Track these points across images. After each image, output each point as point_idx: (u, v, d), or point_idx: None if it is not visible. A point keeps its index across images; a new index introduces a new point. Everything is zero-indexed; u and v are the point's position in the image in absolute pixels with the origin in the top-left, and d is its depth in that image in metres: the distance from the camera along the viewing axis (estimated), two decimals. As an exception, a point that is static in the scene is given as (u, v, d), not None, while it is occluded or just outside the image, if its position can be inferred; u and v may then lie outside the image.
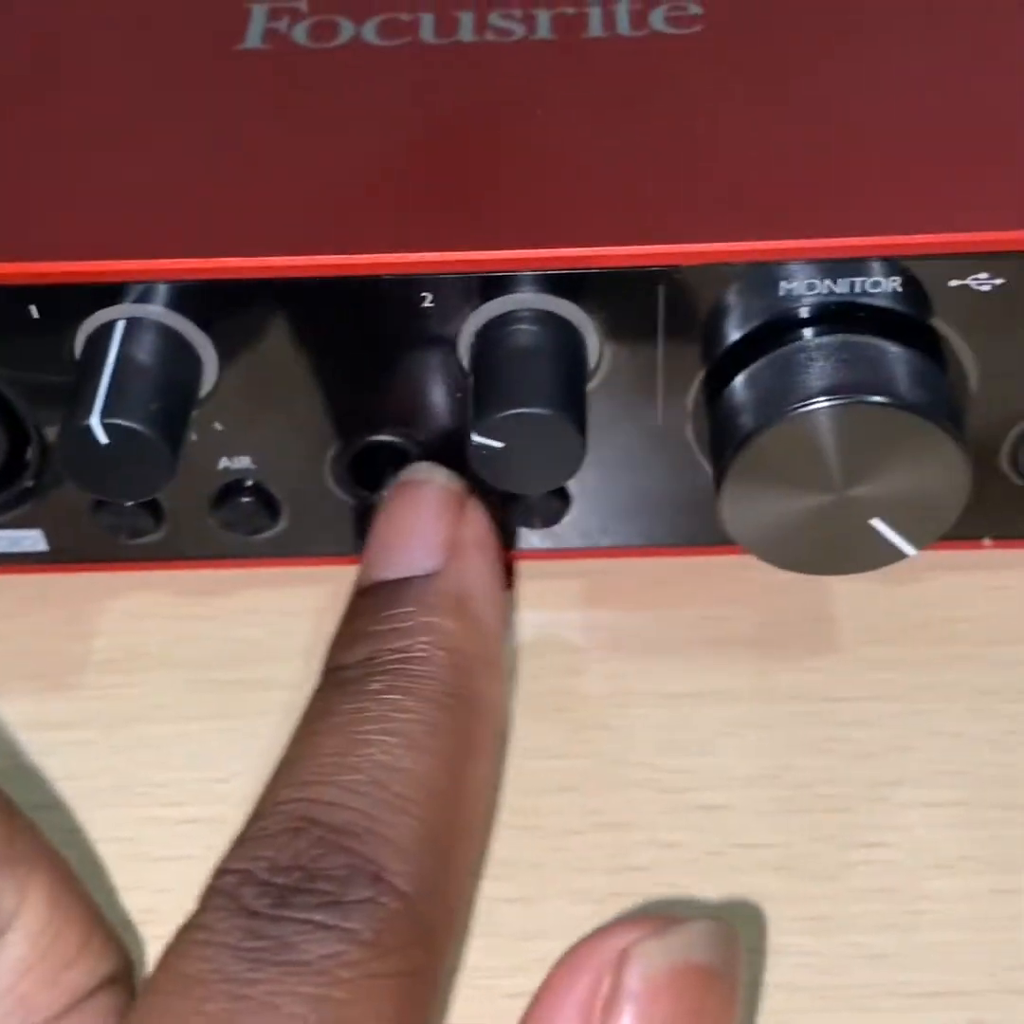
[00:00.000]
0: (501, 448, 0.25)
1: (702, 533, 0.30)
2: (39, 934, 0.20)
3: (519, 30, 0.31)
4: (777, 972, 0.25)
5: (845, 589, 0.30)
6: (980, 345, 0.26)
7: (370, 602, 0.24)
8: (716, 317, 0.26)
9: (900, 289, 0.26)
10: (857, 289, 0.26)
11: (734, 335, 0.27)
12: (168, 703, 0.29)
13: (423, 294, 0.26)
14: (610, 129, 0.28)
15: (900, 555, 0.27)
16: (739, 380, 0.26)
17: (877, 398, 0.25)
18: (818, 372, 0.26)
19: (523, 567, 0.31)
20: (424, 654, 0.22)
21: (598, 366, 0.27)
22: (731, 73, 0.29)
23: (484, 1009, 0.24)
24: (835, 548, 0.27)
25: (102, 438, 0.25)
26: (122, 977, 0.21)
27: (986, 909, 0.25)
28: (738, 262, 0.25)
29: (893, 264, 0.25)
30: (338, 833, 0.19)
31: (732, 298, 0.26)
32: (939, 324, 0.26)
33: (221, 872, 0.20)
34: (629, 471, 0.29)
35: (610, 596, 0.30)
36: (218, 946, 0.18)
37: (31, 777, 0.28)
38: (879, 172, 0.26)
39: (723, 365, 0.27)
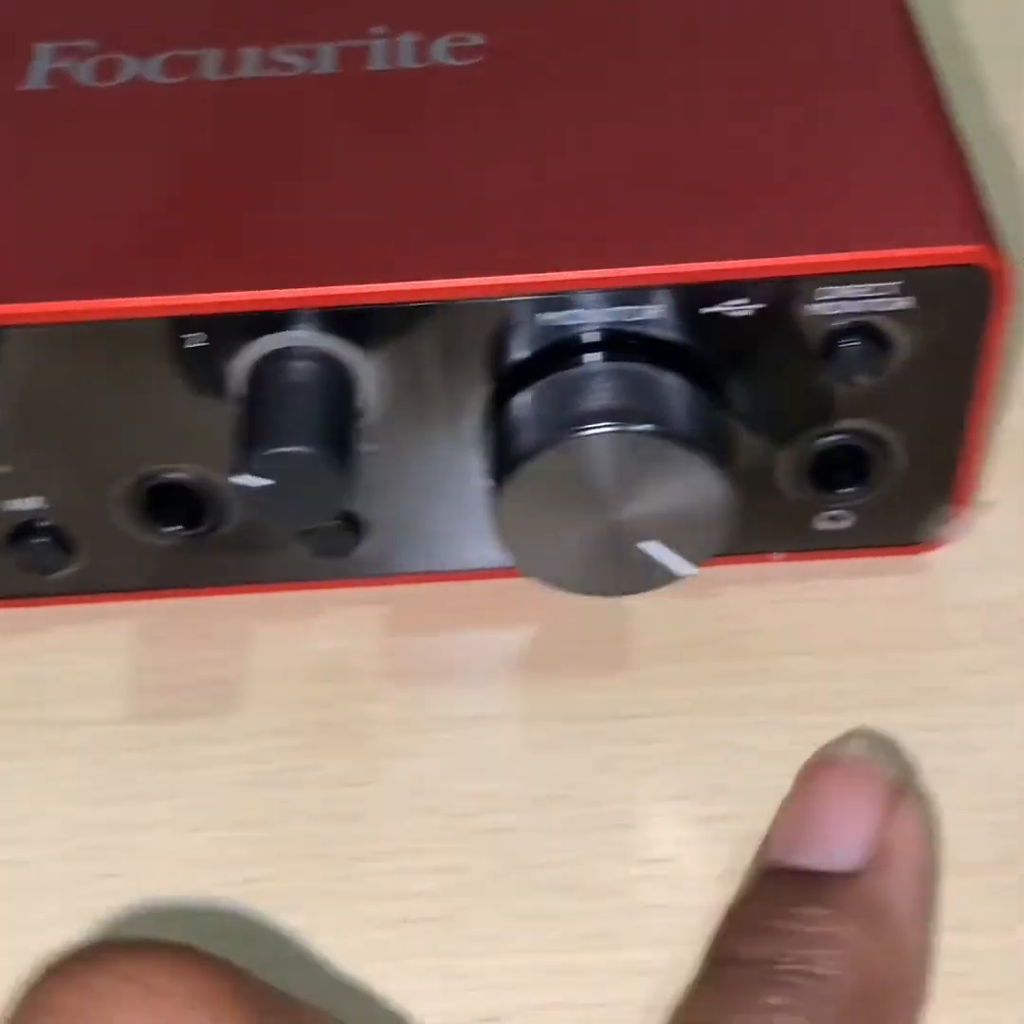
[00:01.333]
0: (267, 487, 0.25)
1: (498, 557, 0.30)
2: None
3: (302, 64, 0.31)
4: (555, 991, 0.25)
5: (639, 606, 0.31)
6: (743, 368, 0.27)
7: (776, 889, 0.21)
8: (488, 349, 0.27)
9: (662, 317, 0.26)
10: (622, 319, 0.26)
11: (507, 365, 0.27)
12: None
13: (188, 335, 0.26)
14: (386, 164, 0.28)
15: (673, 577, 0.28)
16: (511, 408, 0.27)
17: (640, 426, 0.26)
18: (585, 400, 0.26)
19: (322, 594, 0.31)
20: (829, 972, 0.20)
21: (379, 399, 0.27)
22: (508, 105, 0.30)
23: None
24: (612, 571, 0.28)
25: None
26: None
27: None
28: (505, 296, 0.26)
29: (653, 292, 0.26)
30: None
31: (503, 330, 0.27)
32: (702, 349, 0.27)
33: None
34: (422, 499, 0.29)
35: (409, 622, 0.31)
36: None
37: None
38: (638, 203, 0.27)
39: (499, 394, 0.27)
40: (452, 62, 0.31)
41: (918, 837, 0.22)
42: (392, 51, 0.31)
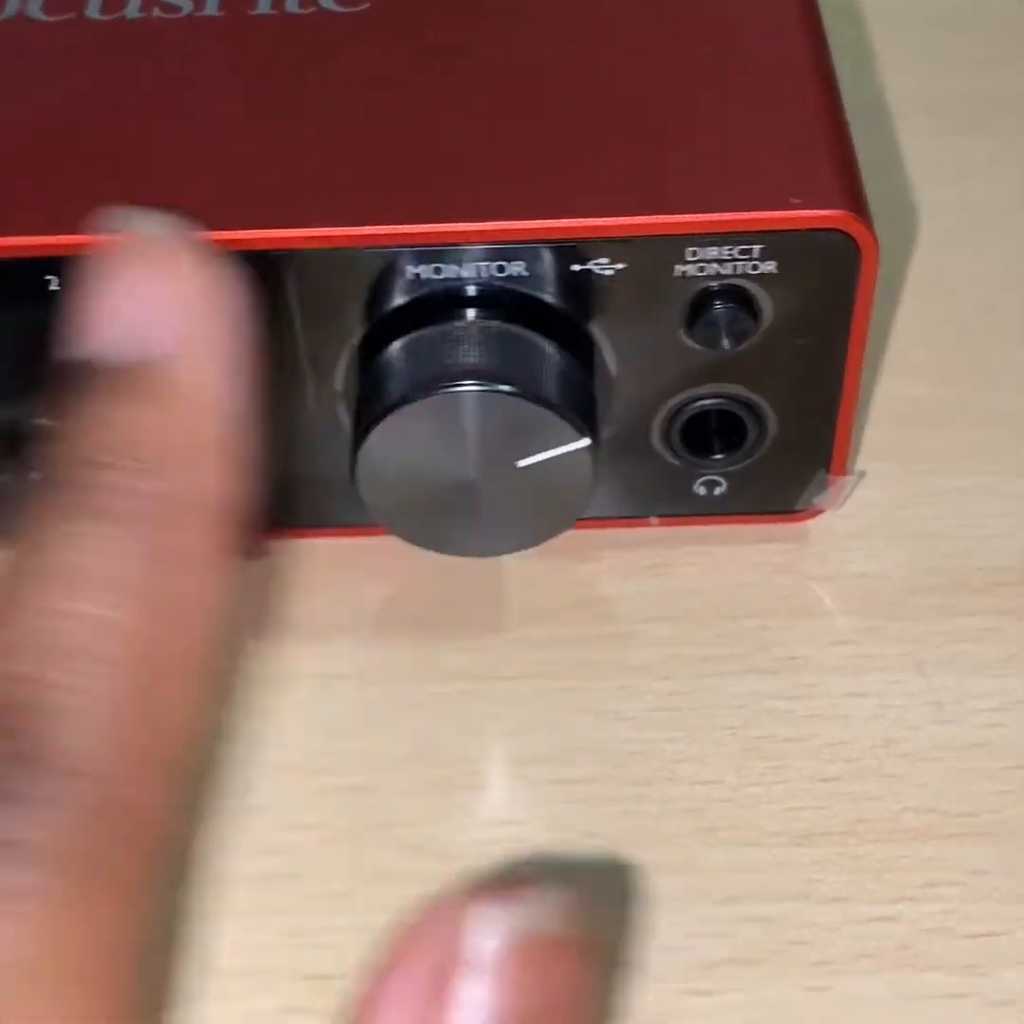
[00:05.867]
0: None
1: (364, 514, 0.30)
2: None
3: (187, 6, 0.30)
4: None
5: (512, 567, 0.30)
6: (613, 329, 0.27)
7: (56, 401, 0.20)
8: (351, 300, 0.26)
9: (528, 274, 0.26)
10: (486, 274, 0.26)
11: (371, 318, 0.27)
12: None
13: (47, 277, 0.26)
14: (264, 108, 0.28)
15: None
16: (375, 362, 0.27)
17: (503, 387, 0.25)
18: (450, 357, 0.26)
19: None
20: (106, 459, 0.19)
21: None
22: (391, 52, 0.29)
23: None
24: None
25: None
26: None
27: (624, 883, 0.26)
28: (361, 247, 0.26)
29: (520, 249, 0.26)
30: None
31: (364, 282, 0.26)
32: (570, 309, 0.26)
33: None
34: (294, 454, 0.29)
35: (278, 579, 0.30)
36: None
37: None
38: (512, 159, 0.26)
39: (364, 348, 0.27)
40: (337, 8, 0.30)
41: (207, 300, 0.21)
42: (278, -5, 0.30)
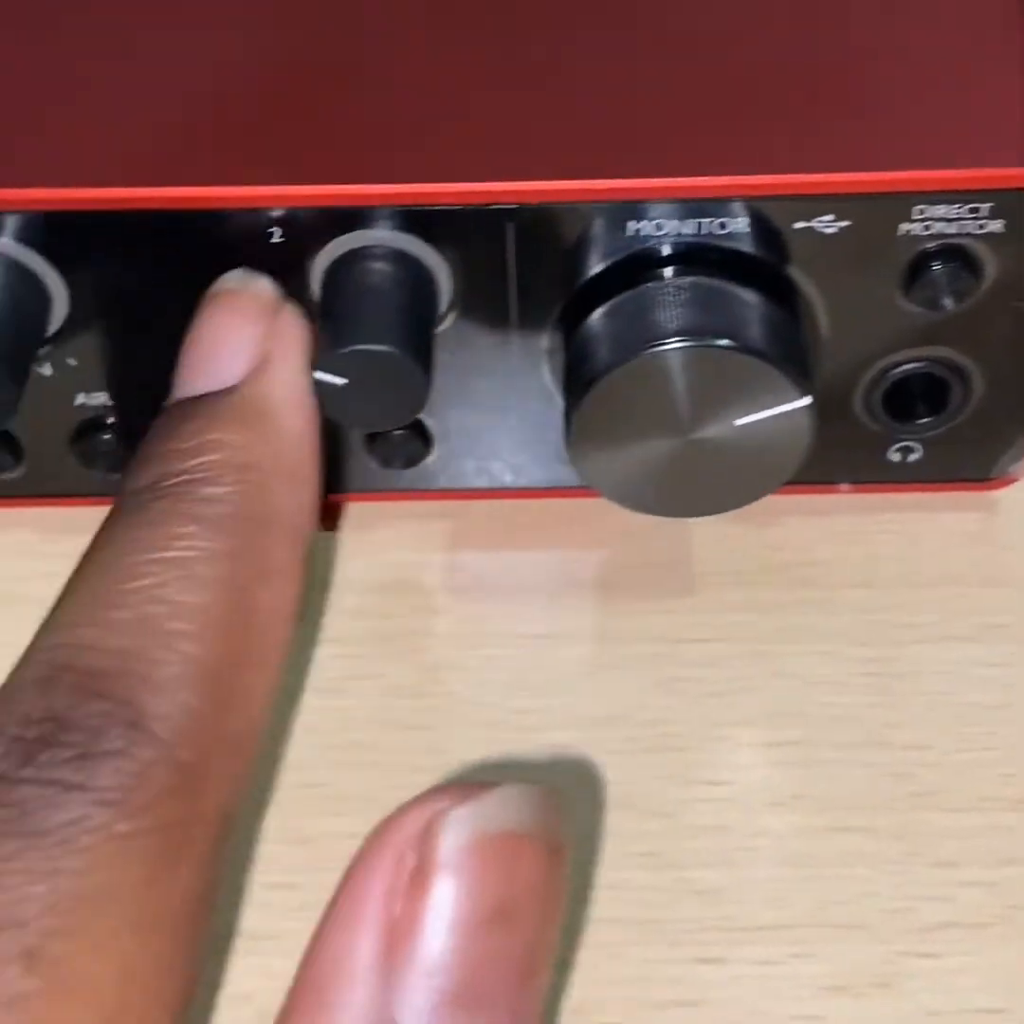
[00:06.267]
0: (344, 385, 0.25)
1: (563, 476, 0.30)
2: None
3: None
4: (611, 907, 0.25)
5: (702, 532, 0.30)
6: (829, 288, 0.27)
7: (166, 422, 0.22)
8: (568, 257, 0.26)
9: (748, 231, 0.26)
10: (706, 230, 0.26)
11: (586, 276, 0.27)
12: (14, 640, 0.29)
13: (271, 229, 0.26)
14: (468, 61, 0.28)
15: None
16: (589, 321, 0.26)
17: (722, 342, 0.25)
18: (666, 314, 0.26)
19: (384, 507, 0.31)
20: (210, 474, 0.21)
21: (451, 306, 0.27)
22: (595, 5, 0.29)
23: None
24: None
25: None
26: None
27: (818, 847, 0.26)
28: (587, 201, 0.25)
29: (741, 205, 0.26)
30: (93, 677, 0.18)
31: (583, 238, 0.26)
32: (788, 267, 0.26)
33: None
34: (490, 413, 0.29)
35: (469, 538, 0.31)
36: None
37: None
38: (732, 113, 0.26)
39: (575, 306, 0.27)
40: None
41: (296, 341, 0.24)
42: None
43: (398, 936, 0.16)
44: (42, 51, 0.28)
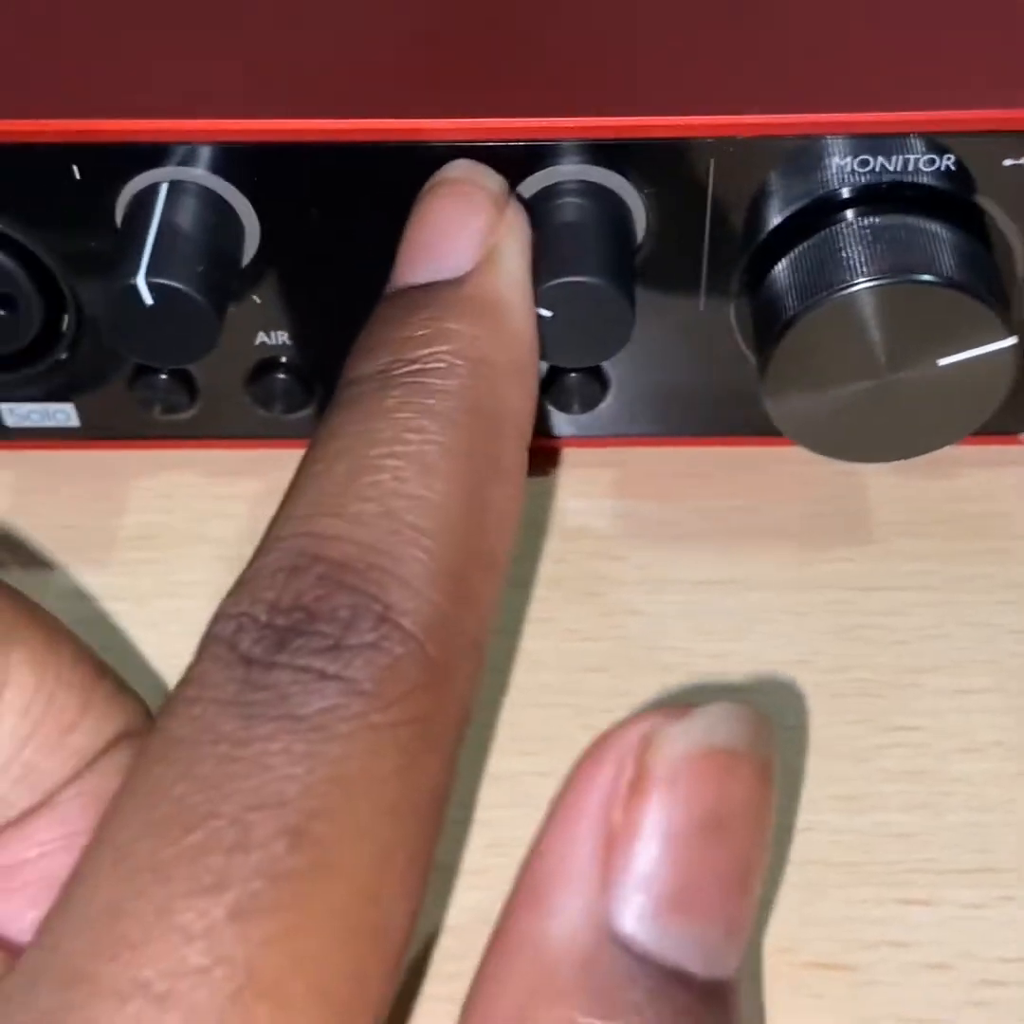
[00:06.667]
0: (551, 317, 0.24)
1: (737, 424, 0.30)
2: (30, 702, 0.19)
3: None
4: (809, 849, 0.25)
5: (878, 482, 0.30)
6: (1030, 230, 0.26)
7: (392, 310, 0.22)
8: (764, 195, 0.26)
9: (953, 168, 0.25)
10: (909, 167, 0.26)
11: (781, 214, 0.26)
12: (197, 579, 0.29)
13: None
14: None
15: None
16: (784, 261, 0.26)
17: (924, 277, 0.25)
18: (865, 252, 0.25)
19: (556, 454, 0.31)
20: (443, 365, 0.21)
21: (642, 244, 0.27)
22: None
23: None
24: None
25: (147, 298, 0.24)
26: (137, 731, 0.20)
27: (1014, 792, 0.25)
28: (792, 135, 0.25)
29: (947, 141, 0.25)
30: (342, 569, 0.18)
31: (781, 175, 0.26)
32: (987, 204, 0.26)
33: (217, 618, 0.18)
34: (668, 357, 0.29)
35: (643, 485, 0.30)
36: (209, 702, 0.17)
37: (64, 644, 0.28)
38: (939, 45, 0.26)
39: (769, 245, 0.27)
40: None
41: (524, 236, 0.23)
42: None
43: (616, 844, 0.16)
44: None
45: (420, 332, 0.21)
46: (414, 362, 0.21)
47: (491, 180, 0.24)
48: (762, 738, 0.17)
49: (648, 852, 0.16)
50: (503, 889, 0.24)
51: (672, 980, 0.16)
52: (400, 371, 0.21)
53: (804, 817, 0.25)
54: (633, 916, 0.16)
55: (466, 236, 0.22)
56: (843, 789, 0.26)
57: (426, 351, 0.21)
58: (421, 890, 0.18)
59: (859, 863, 0.25)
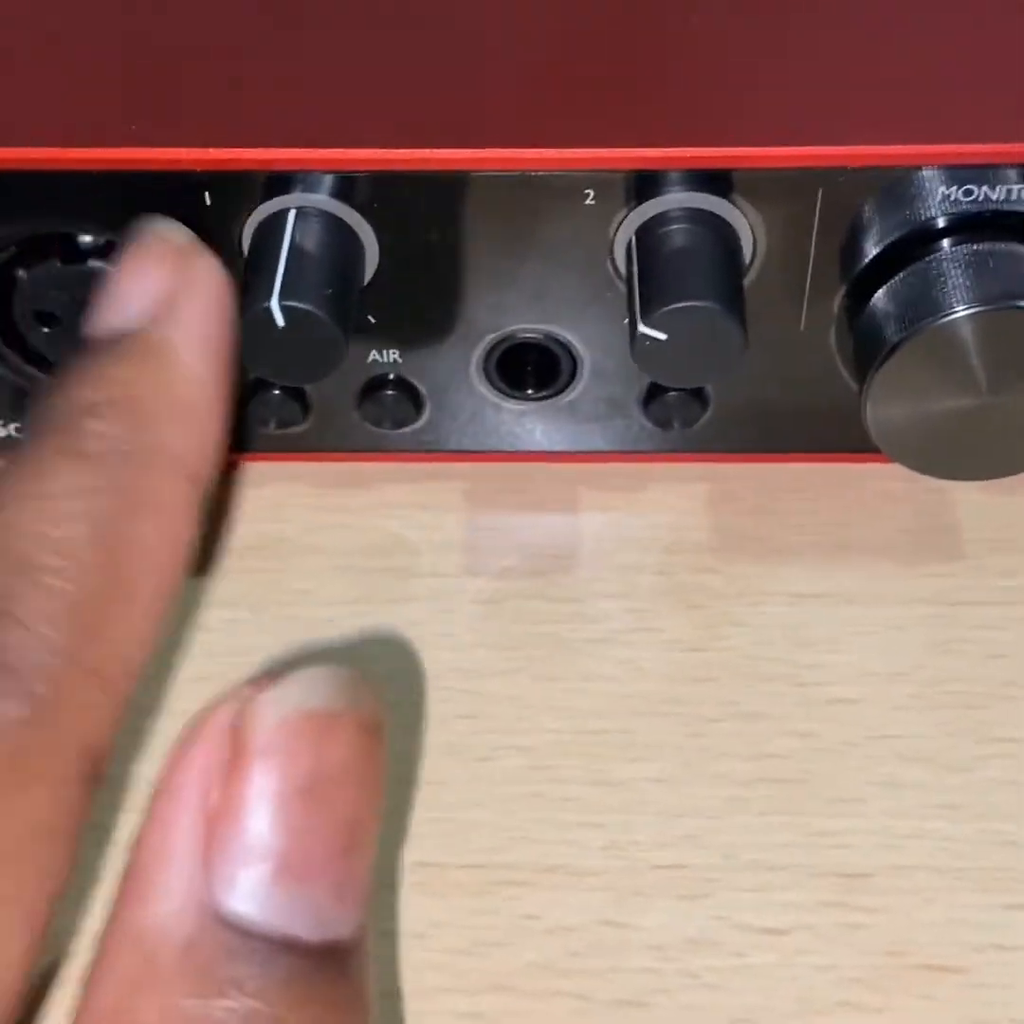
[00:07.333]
0: (665, 341, 0.25)
1: (832, 441, 0.31)
2: None
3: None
4: (917, 854, 0.26)
5: (964, 499, 0.31)
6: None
7: (74, 359, 0.23)
8: (867, 222, 0.27)
9: (1050, 195, 0.26)
10: (1010, 196, 0.26)
11: (883, 241, 0.27)
12: (312, 588, 0.30)
13: (586, 191, 0.26)
14: (763, 20, 0.28)
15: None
16: (886, 287, 0.27)
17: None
18: (965, 279, 0.26)
19: (652, 470, 0.31)
20: (92, 408, 0.21)
21: (749, 267, 0.27)
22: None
23: (634, 882, 0.25)
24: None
25: (280, 320, 0.25)
26: None
27: (1115, 802, 0.26)
28: (898, 165, 0.26)
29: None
30: None
31: (884, 204, 0.27)
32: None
33: None
34: (766, 375, 0.30)
35: (739, 500, 0.31)
36: None
37: (188, 651, 0.29)
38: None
39: (871, 271, 0.27)
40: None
41: (210, 287, 0.24)
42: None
43: (215, 821, 0.16)
44: (355, 20, 0.29)
45: (81, 378, 0.22)
46: (71, 408, 0.21)
47: (177, 234, 0.25)
48: (362, 697, 0.17)
49: (247, 824, 0.16)
50: (620, 889, 0.25)
51: (280, 949, 0.16)
52: (56, 418, 0.21)
53: (911, 824, 0.26)
54: (236, 891, 0.16)
55: (141, 290, 0.23)
56: (948, 798, 0.26)
57: (81, 395, 0.22)
58: (26, 930, 0.18)
59: (967, 869, 0.25)
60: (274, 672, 0.17)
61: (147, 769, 0.26)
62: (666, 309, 0.25)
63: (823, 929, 0.25)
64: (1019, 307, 0.26)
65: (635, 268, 0.26)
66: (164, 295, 0.23)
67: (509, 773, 0.27)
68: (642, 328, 0.25)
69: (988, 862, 0.25)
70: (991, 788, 0.26)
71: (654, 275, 0.26)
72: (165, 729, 0.27)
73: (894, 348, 0.26)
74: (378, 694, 0.17)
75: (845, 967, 0.24)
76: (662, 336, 0.25)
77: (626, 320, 0.27)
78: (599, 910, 0.25)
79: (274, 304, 0.25)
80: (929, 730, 0.27)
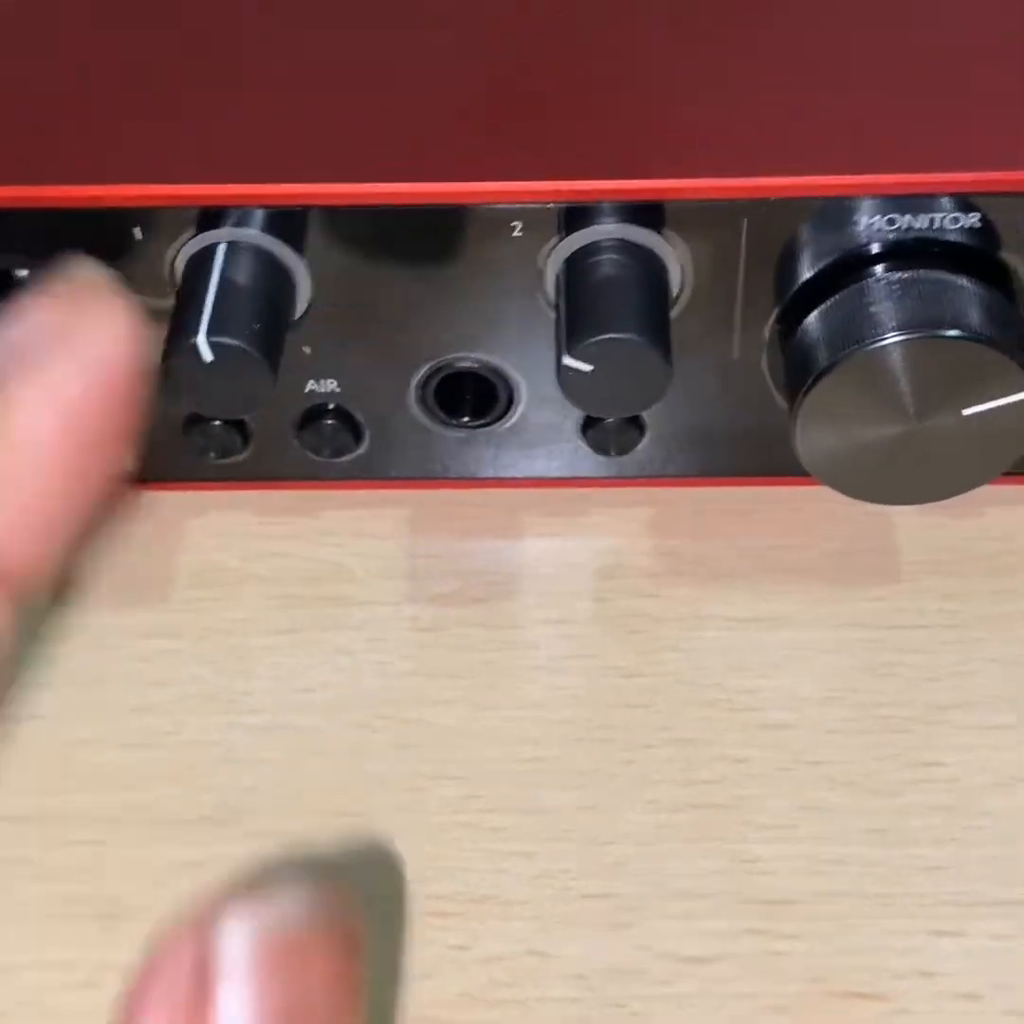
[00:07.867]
0: (590, 371, 0.26)
1: (769, 464, 0.31)
2: None
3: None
4: (841, 879, 0.26)
5: (905, 521, 0.31)
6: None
7: None
8: (795, 250, 0.27)
9: (978, 225, 0.26)
10: (935, 225, 0.27)
11: (812, 268, 0.27)
12: (251, 617, 0.30)
13: (513, 223, 0.27)
14: (691, 55, 0.29)
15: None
16: (815, 313, 0.27)
17: (952, 332, 0.26)
18: (893, 307, 0.27)
19: (593, 494, 0.32)
20: None
21: (678, 297, 0.28)
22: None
23: (562, 910, 0.26)
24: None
25: (207, 356, 0.26)
26: None
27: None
28: (822, 196, 0.26)
29: (972, 200, 0.26)
30: None
31: (811, 232, 0.27)
32: (1011, 258, 0.27)
33: None
34: (701, 401, 0.30)
35: (679, 524, 0.31)
36: None
37: (126, 683, 0.29)
38: (966, 106, 0.27)
39: (800, 297, 0.28)
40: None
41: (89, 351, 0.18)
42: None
43: None
44: (293, 57, 0.29)
45: None
46: None
47: (88, 278, 0.21)
48: (341, 912, 0.16)
49: None
50: (546, 918, 0.26)
51: None
52: None
53: (836, 849, 0.26)
54: None
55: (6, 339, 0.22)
56: (874, 823, 0.27)
57: None
58: None
59: (891, 895, 0.26)
60: (241, 891, 0.16)
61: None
62: (590, 341, 0.25)
63: (746, 958, 0.25)
64: (945, 336, 0.26)
65: (562, 299, 0.27)
66: (28, 348, 0.21)
67: (444, 802, 0.27)
68: (566, 360, 0.26)
69: (913, 887, 0.26)
70: (918, 813, 0.27)
71: (580, 306, 0.26)
72: (108, 761, 0.27)
73: (821, 374, 0.27)
74: (355, 904, 0.16)
75: (766, 995, 0.24)
76: (587, 367, 0.26)
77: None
78: (527, 939, 0.25)
79: (201, 339, 0.25)
80: (858, 754, 0.27)
